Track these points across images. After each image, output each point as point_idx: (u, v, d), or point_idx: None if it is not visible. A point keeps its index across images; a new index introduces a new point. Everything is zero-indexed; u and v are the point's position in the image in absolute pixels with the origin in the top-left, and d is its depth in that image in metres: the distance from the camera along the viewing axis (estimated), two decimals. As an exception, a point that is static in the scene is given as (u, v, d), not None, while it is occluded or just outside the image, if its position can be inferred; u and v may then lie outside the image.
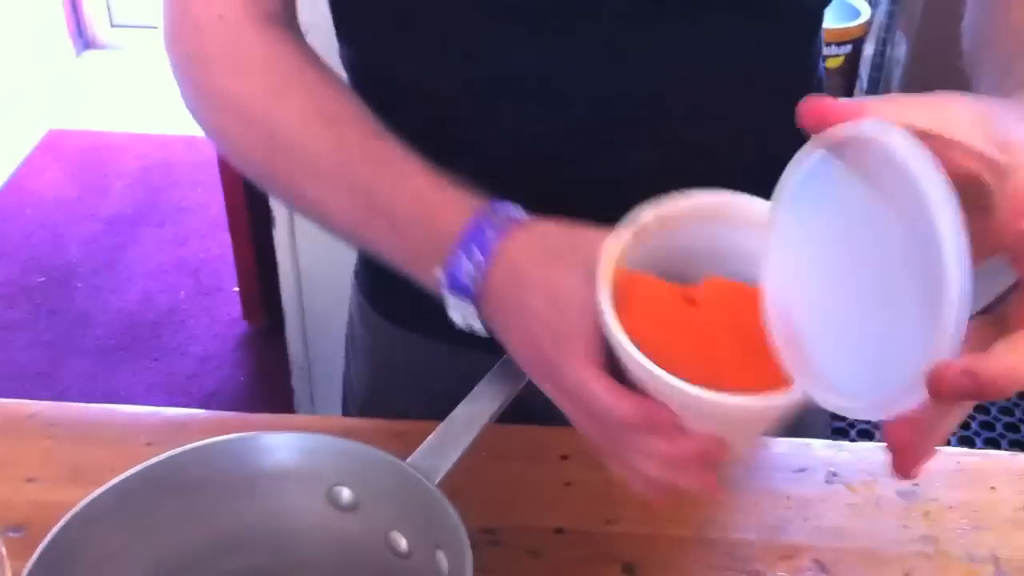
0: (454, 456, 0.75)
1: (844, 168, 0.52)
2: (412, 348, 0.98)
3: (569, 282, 0.64)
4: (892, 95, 0.53)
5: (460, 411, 0.77)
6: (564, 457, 0.92)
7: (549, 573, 0.83)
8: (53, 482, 0.91)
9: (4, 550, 0.82)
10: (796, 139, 0.54)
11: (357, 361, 1.08)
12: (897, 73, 2.17)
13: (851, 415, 0.53)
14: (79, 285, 2.71)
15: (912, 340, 0.48)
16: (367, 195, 0.74)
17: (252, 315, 2.55)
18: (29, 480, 0.91)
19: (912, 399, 0.49)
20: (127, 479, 0.74)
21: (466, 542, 0.70)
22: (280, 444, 0.77)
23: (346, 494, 0.77)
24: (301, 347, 2.10)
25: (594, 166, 0.83)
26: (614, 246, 0.64)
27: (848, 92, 2.23)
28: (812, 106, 0.52)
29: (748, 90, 0.83)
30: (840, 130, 0.51)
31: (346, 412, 1.12)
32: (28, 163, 3.08)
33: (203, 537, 0.77)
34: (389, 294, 0.98)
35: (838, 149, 0.52)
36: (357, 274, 1.03)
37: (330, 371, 2.09)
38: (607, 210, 0.65)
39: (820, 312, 0.55)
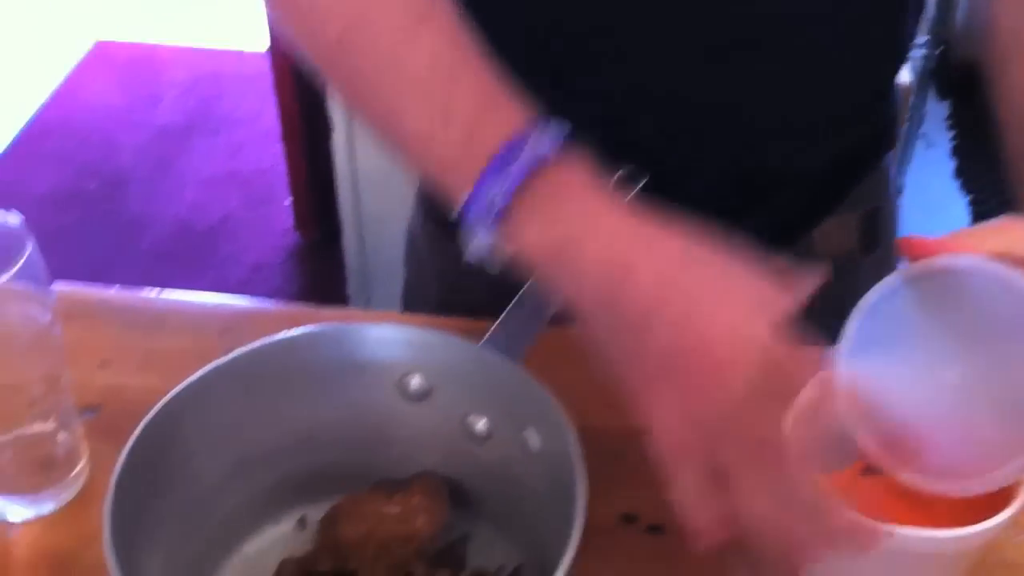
0: (528, 338, 0.73)
1: (924, 292, 0.62)
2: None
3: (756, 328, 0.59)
4: (966, 229, 0.65)
5: (529, 292, 0.75)
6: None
7: (632, 472, 0.81)
8: (126, 367, 0.91)
9: (81, 430, 0.82)
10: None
11: (422, 273, 1.06)
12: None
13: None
14: (132, 192, 2.70)
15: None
16: (431, 73, 0.66)
17: (304, 227, 2.54)
18: (102, 364, 0.91)
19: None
20: (206, 375, 0.73)
21: (564, 416, 0.68)
22: (350, 336, 0.76)
23: (417, 382, 0.76)
24: (358, 256, 2.08)
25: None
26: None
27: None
28: (910, 242, 0.61)
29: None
30: (934, 263, 0.61)
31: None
32: (76, 73, 3.06)
33: (278, 433, 0.77)
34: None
35: (923, 277, 0.61)
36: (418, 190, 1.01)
37: (387, 281, 2.08)
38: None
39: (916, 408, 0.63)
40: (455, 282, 0.99)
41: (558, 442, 0.69)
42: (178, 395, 0.71)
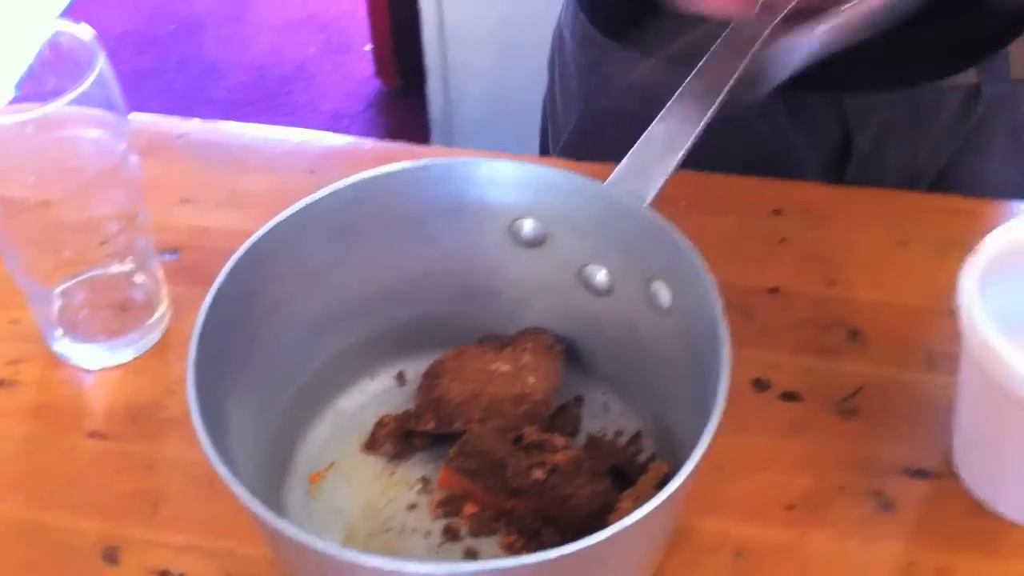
0: (658, 180, 0.64)
1: None
2: (634, 70, 0.86)
3: None
4: None
5: (657, 128, 0.65)
6: (777, 212, 0.81)
7: (762, 334, 0.73)
8: (207, 205, 0.84)
9: (161, 273, 0.75)
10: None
11: (567, 92, 0.97)
12: None
13: None
14: (207, 37, 2.62)
15: None
16: None
17: (385, 75, 2.44)
18: (183, 201, 0.84)
19: None
20: (297, 213, 0.65)
21: (703, 266, 0.60)
22: (455, 173, 0.67)
23: (530, 227, 0.67)
24: (442, 106, 2.00)
25: None
26: None
27: None
28: None
29: None
30: None
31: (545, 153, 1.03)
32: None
33: (375, 280, 0.69)
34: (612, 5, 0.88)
35: None
36: None
37: (472, 133, 2.00)
38: None
39: None
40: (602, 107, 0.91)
41: (693, 297, 0.61)
42: (267, 235, 0.64)
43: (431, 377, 0.69)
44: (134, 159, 0.70)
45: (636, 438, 0.68)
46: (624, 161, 0.65)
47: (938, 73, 0.86)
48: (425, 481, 0.67)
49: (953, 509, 0.66)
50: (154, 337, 0.75)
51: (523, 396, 0.67)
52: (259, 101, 2.46)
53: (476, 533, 0.64)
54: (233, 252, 0.79)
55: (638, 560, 0.60)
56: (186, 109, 2.39)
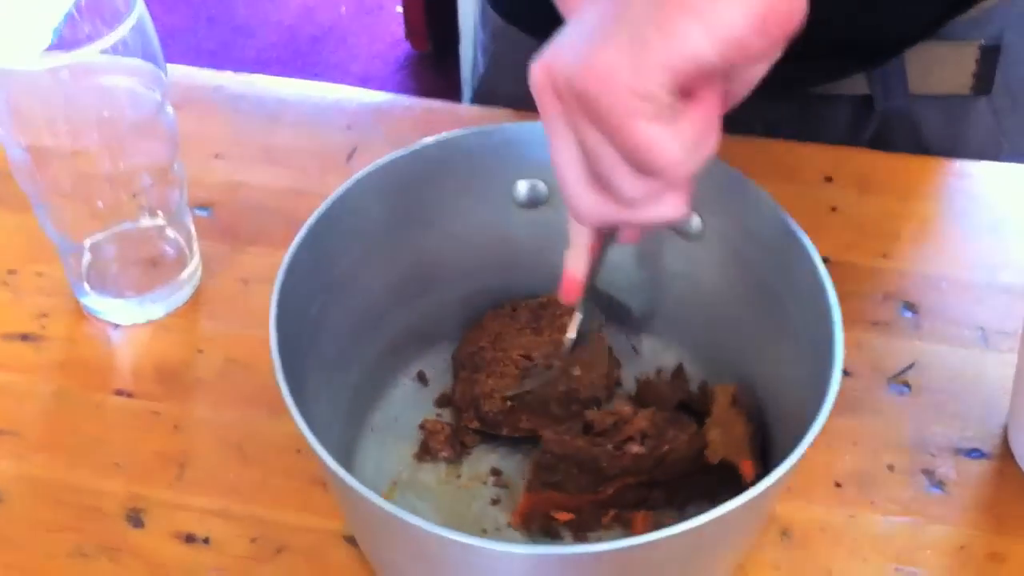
0: None
1: None
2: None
3: None
4: None
5: None
6: (828, 179, 0.78)
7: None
8: (242, 161, 0.81)
9: (193, 229, 0.73)
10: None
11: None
12: None
13: None
14: (237, -4, 2.59)
15: None
16: None
17: (415, 38, 2.41)
18: (216, 156, 0.81)
19: None
20: (354, 185, 0.60)
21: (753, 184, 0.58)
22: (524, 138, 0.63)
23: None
24: (475, 69, 1.97)
25: None
26: None
27: None
28: None
29: None
30: None
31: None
32: None
33: (449, 248, 0.66)
34: None
35: None
36: None
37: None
38: None
39: None
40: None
41: (739, 218, 0.60)
42: (345, 194, 0.60)
43: (468, 369, 0.65)
44: (170, 111, 0.67)
45: (679, 371, 0.67)
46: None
47: (821, 77, 0.82)
48: (496, 472, 0.64)
49: (1008, 492, 0.63)
50: (184, 294, 0.73)
51: (571, 395, 0.63)
52: (288, 61, 2.43)
53: (581, 530, 0.61)
54: (268, 209, 0.78)
55: (760, 517, 0.58)
56: (218, 69, 2.37)
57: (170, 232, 0.72)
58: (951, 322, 0.70)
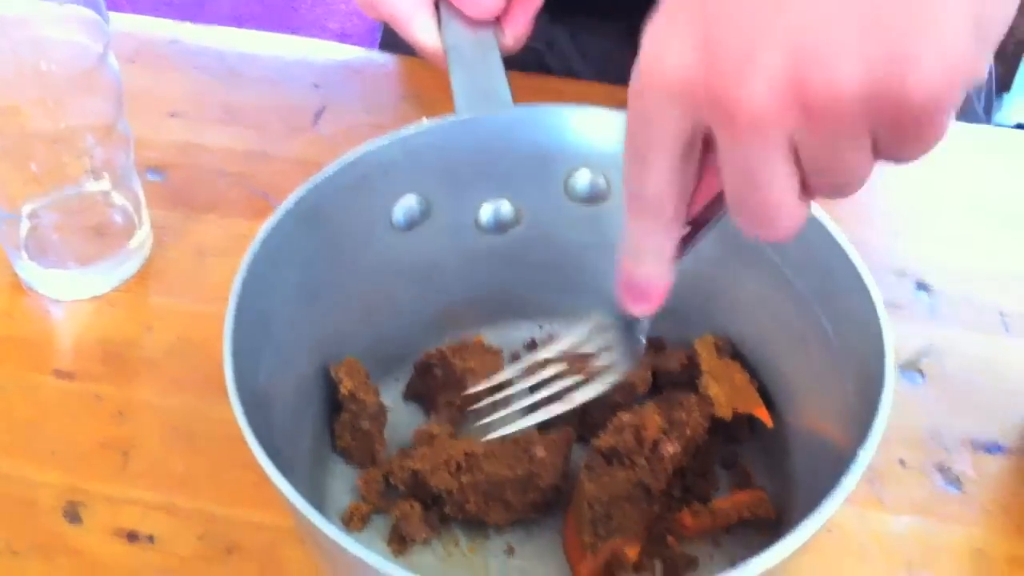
0: None
1: None
2: None
3: None
4: None
5: None
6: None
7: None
8: (199, 121, 0.76)
9: (143, 194, 0.67)
10: None
11: None
12: None
13: None
14: (211, -52, 2.53)
15: None
16: None
17: (395, -5, 2.35)
18: (172, 115, 0.75)
19: None
20: (376, 151, 0.54)
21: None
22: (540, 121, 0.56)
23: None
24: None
25: None
26: None
27: None
28: None
29: None
30: None
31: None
32: None
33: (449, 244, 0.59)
34: None
35: None
36: None
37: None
38: None
39: None
40: None
41: None
42: (338, 172, 0.53)
43: (405, 450, 0.57)
44: (113, 63, 0.61)
45: (659, 343, 0.61)
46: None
47: None
48: (510, 546, 0.56)
49: (1030, 491, 0.58)
50: (132, 266, 0.67)
51: (531, 480, 0.54)
52: (263, 17, 2.37)
53: (650, 557, 0.55)
54: (226, 174, 0.72)
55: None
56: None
57: (116, 198, 0.66)
58: (969, 305, 0.65)
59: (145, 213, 0.68)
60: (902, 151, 0.34)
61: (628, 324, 0.48)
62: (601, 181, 0.57)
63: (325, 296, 0.55)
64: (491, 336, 0.61)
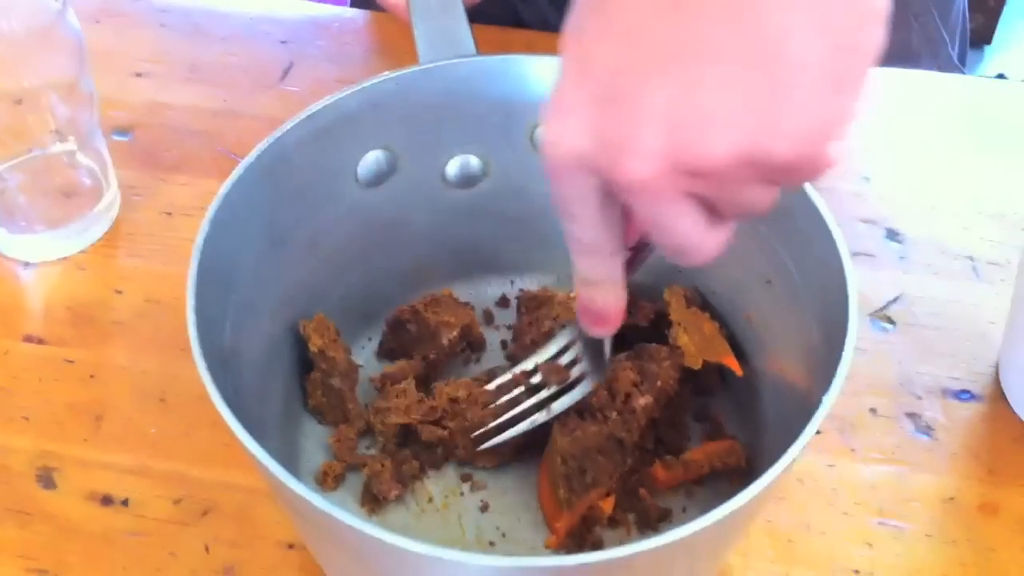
0: None
1: None
2: None
3: None
4: None
5: None
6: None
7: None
8: (166, 79, 0.75)
9: (108, 155, 0.66)
10: None
11: None
12: None
13: None
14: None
15: None
16: None
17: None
18: (138, 75, 0.75)
19: None
20: (343, 99, 0.53)
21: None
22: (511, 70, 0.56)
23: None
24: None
25: None
26: None
27: None
28: None
29: None
30: None
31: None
32: None
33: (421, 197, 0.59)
34: None
35: None
36: None
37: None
38: None
39: None
40: None
41: None
42: (300, 124, 0.53)
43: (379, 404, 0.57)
44: (73, 20, 0.61)
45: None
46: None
47: None
48: (466, 478, 0.56)
49: (1000, 437, 0.59)
50: (100, 228, 0.67)
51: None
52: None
53: (622, 511, 0.55)
54: (194, 132, 0.71)
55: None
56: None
57: (83, 158, 0.65)
58: (938, 252, 0.65)
59: (112, 174, 0.67)
60: (794, 184, 0.37)
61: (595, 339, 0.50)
62: None
63: (291, 252, 0.55)
64: (462, 292, 0.61)
